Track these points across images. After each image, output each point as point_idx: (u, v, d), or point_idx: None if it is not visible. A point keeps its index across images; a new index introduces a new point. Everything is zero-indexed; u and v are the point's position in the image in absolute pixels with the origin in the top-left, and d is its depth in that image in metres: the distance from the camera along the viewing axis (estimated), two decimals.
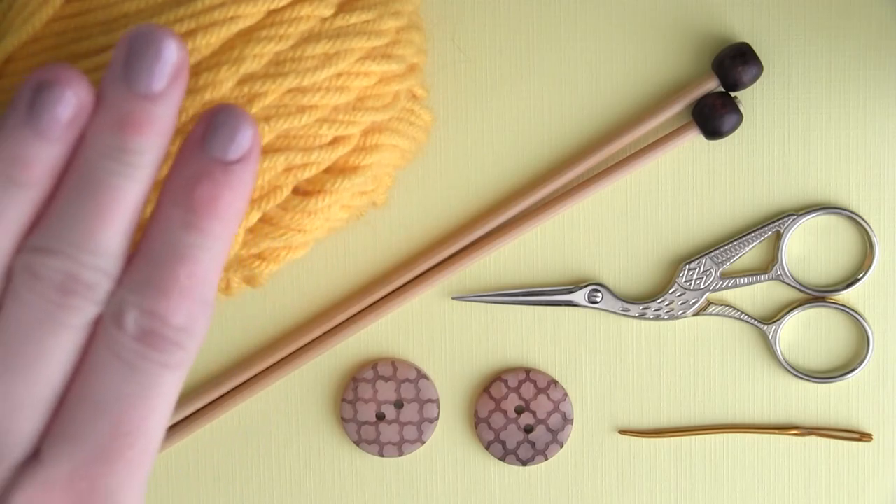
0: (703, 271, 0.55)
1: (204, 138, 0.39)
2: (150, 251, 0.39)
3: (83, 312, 0.38)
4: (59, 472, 0.38)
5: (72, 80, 0.37)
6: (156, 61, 0.38)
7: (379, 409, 0.55)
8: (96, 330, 0.39)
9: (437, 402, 0.56)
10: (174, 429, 0.56)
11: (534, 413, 0.55)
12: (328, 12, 0.47)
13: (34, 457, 0.39)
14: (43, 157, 0.37)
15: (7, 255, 0.38)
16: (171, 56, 0.38)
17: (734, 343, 0.55)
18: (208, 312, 0.39)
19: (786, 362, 0.55)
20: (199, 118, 0.39)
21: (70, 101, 0.37)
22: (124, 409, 0.38)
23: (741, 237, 0.55)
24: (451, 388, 0.56)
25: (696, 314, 0.55)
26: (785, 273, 0.55)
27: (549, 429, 0.55)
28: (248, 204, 0.40)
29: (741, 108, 0.53)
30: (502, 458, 0.55)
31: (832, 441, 0.55)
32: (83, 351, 0.39)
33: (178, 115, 0.46)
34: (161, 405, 0.39)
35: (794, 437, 0.55)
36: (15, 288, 0.38)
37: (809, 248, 0.55)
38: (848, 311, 0.55)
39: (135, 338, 0.38)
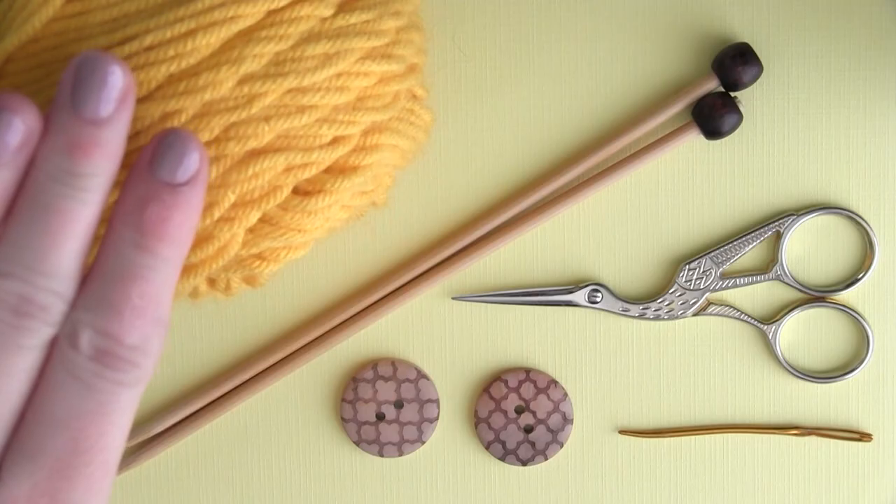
0: (703, 271, 0.55)
1: (152, 161, 0.40)
2: (103, 272, 0.39)
3: (38, 333, 0.39)
4: (20, 490, 0.39)
5: (20, 106, 0.38)
6: (102, 87, 0.39)
7: (379, 409, 0.55)
8: (52, 350, 0.39)
9: (437, 402, 0.56)
10: (174, 429, 0.56)
11: (534, 413, 0.55)
12: (328, 12, 0.47)
13: None
14: None
15: None
16: (116, 81, 0.39)
17: (734, 343, 0.55)
18: (162, 331, 0.40)
19: (786, 362, 0.55)
20: (149, 142, 0.40)
21: (18, 128, 0.38)
22: (82, 427, 0.39)
23: (741, 237, 0.55)
24: (451, 388, 0.56)
25: (696, 314, 0.55)
26: (785, 273, 0.55)
27: (549, 429, 0.55)
28: (197, 224, 0.41)
29: (741, 108, 0.53)
30: (502, 458, 0.55)
31: (832, 441, 0.55)
32: (40, 370, 0.39)
33: (179, 116, 0.46)
34: (119, 421, 0.40)
35: (794, 437, 0.55)
36: None
37: (809, 248, 0.55)
38: (848, 311, 0.55)
39: (90, 357, 0.39)
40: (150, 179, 0.40)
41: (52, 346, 0.39)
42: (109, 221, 0.40)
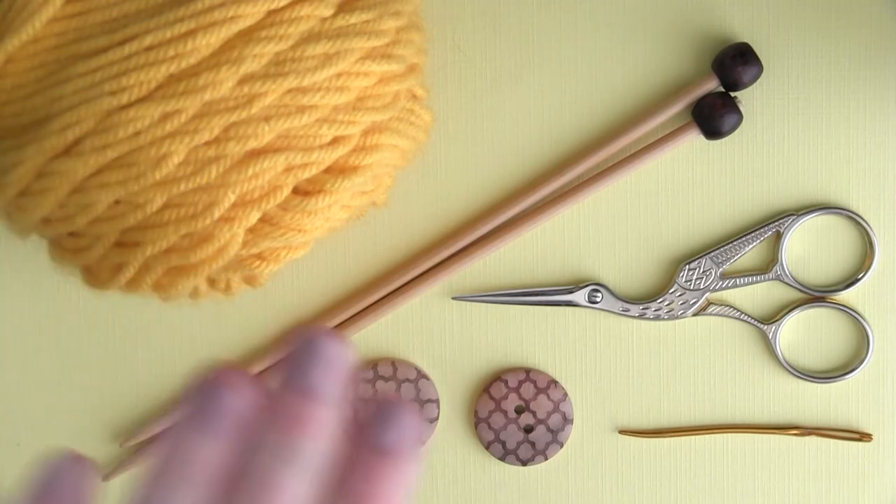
0: (703, 271, 0.55)
1: (366, 432, 0.39)
2: None
3: None
4: None
5: (239, 381, 0.38)
6: (321, 363, 0.39)
7: None
8: None
9: (437, 402, 0.56)
10: None
11: (534, 413, 0.55)
12: (328, 12, 0.47)
13: None
14: (212, 455, 0.38)
15: None
16: (337, 359, 0.39)
17: (734, 343, 0.55)
18: None
19: (786, 362, 0.55)
20: (363, 411, 0.40)
21: (237, 402, 0.38)
22: None
23: (741, 237, 0.55)
24: (451, 388, 0.56)
25: (696, 314, 0.55)
26: (785, 273, 0.55)
27: (549, 429, 0.55)
28: (412, 490, 0.41)
29: (741, 108, 0.53)
30: (502, 458, 0.55)
31: (832, 441, 0.55)
32: None
33: (179, 116, 0.46)
34: None
35: (794, 437, 0.55)
36: None
37: (809, 248, 0.55)
38: (848, 311, 0.55)
39: None
40: (363, 446, 0.39)
41: None
42: (326, 491, 0.40)
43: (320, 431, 0.39)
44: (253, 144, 0.47)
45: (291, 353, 0.40)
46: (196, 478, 0.38)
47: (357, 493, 0.39)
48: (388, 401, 0.40)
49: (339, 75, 0.47)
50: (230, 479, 0.39)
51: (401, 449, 0.39)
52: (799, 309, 0.55)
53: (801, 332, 0.55)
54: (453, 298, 0.56)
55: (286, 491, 0.38)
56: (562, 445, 0.56)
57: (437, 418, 0.56)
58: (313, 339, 0.39)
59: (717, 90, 0.54)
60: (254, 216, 0.47)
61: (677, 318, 0.55)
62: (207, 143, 0.46)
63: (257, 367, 0.55)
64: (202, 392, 0.39)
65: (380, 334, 0.56)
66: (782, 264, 0.55)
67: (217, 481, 0.39)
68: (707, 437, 0.56)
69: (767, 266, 0.55)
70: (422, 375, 0.55)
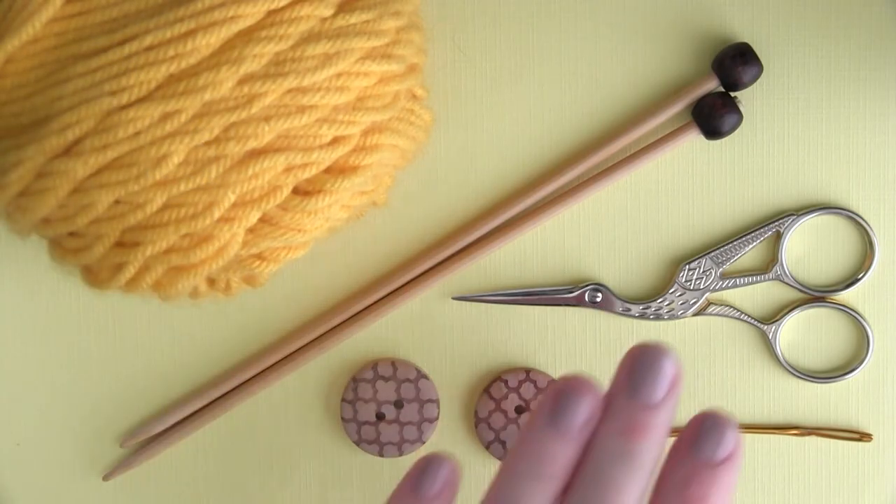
0: (703, 271, 0.55)
1: (694, 443, 0.44)
2: None
3: None
4: None
5: (587, 389, 0.44)
6: (657, 375, 0.43)
7: (379, 409, 0.55)
8: None
9: (437, 402, 0.56)
10: (175, 428, 0.56)
11: None
12: (328, 12, 0.47)
13: None
14: (562, 454, 0.43)
15: None
16: (669, 369, 0.44)
17: (734, 343, 0.55)
18: None
19: (786, 362, 0.55)
20: (689, 424, 0.44)
21: (585, 408, 0.43)
22: None
23: (741, 237, 0.55)
24: (451, 388, 0.56)
25: (696, 314, 0.55)
26: (785, 273, 0.55)
27: None
28: (733, 497, 0.45)
29: (741, 108, 0.53)
30: (502, 458, 0.55)
31: (832, 441, 0.55)
32: None
33: (179, 116, 0.46)
34: None
35: (794, 437, 0.55)
36: None
37: (809, 248, 0.55)
38: (848, 311, 0.55)
39: None
40: (691, 460, 0.44)
41: None
42: (652, 499, 0.44)
43: (655, 436, 0.44)
44: (253, 144, 0.47)
45: (627, 365, 0.44)
46: (548, 472, 0.44)
47: (696, 498, 0.44)
48: (712, 414, 0.44)
49: (339, 75, 0.47)
50: (577, 477, 0.44)
51: (732, 458, 0.44)
52: (799, 309, 0.55)
53: (801, 332, 0.55)
54: (453, 298, 0.56)
55: (624, 490, 0.43)
56: None
57: (437, 418, 0.56)
58: (653, 353, 0.44)
59: (717, 90, 0.54)
60: (254, 216, 0.47)
61: (677, 318, 0.55)
62: (207, 143, 0.46)
63: (257, 367, 0.56)
64: (555, 398, 0.44)
65: (380, 334, 0.56)
66: (782, 264, 0.55)
67: (564, 477, 0.44)
68: None
69: (767, 266, 0.55)
70: (422, 375, 0.55)
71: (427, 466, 0.45)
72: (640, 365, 0.44)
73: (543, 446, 0.44)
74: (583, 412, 0.43)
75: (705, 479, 0.43)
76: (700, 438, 0.44)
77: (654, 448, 0.43)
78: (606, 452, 0.43)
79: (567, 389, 0.44)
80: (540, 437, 0.44)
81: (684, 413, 0.56)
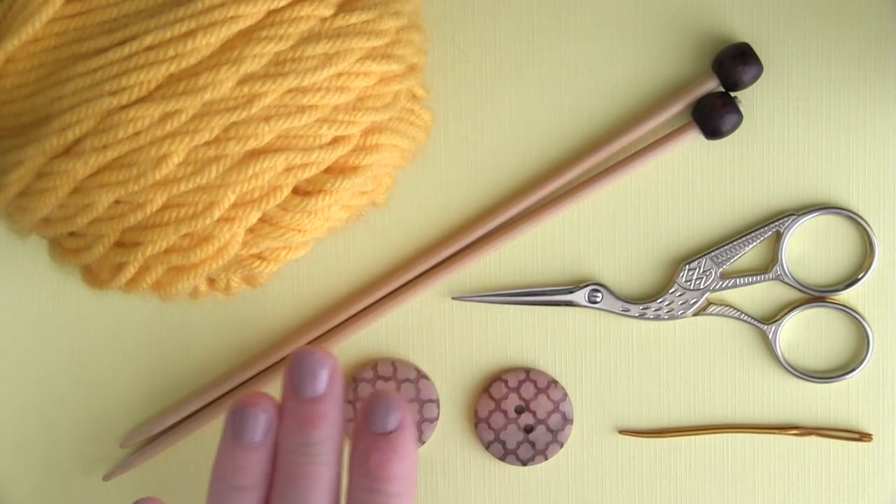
0: (703, 271, 0.55)
1: (366, 419, 0.48)
2: None
3: None
4: None
5: (259, 400, 0.48)
6: (314, 369, 0.48)
7: None
8: None
9: (437, 402, 0.56)
10: (174, 428, 0.56)
11: (534, 413, 0.55)
12: (328, 12, 0.47)
13: None
14: (254, 463, 0.48)
15: None
16: (325, 363, 0.48)
17: (734, 343, 0.55)
18: None
19: (786, 362, 0.55)
20: (360, 406, 0.49)
21: (262, 418, 0.48)
22: None
23: (741, 237, 0.55)
24: (451, 388, 0.56)
25: (696, 314, 0.55)
26: (785, 273, 0.55)
27: (549, 429, 0.55)
28: (416, 462, 0.49)
29: (741, 108, 0.53)
30: (502, 458, 0.55)
31: (832, 441, 0.55)
32: None
33: (179, 116, 0.46)
34: None
35: (794, 437, 0.55)
36: None
37: (809, 248, 0.55)
38: (848, 311, 0.55)
39: None
40: (367, 433, 0.48)
41: None
42: (348, 475, 0.49)
43: (328, 423, 0.48)
44: (253, 144, 0.47)
45: (288, 370, 0.48)
46: (244, 482, 0.48)
47: (369, 470, 0.48)
48: (380, 392, 0.49)
49: (339, 75, 0.47)
50: (274, 478, 0.48)
51: (403, 427, 0.48)
52: (799, 309, 0.55)
53: (801, 332, 0.55)
54: (453, 298, 0.56)
55: (315, 476, 0.48)
56: (562, 445, 0.56)
57: (437, 418, 0.56)
58: (307, 353, 0.48)
59: (717, 90, 0.54)
60: (254, 216, 0.47)
61: (677, 318, 0.55)
62: (207, 143, 0.47)
63: (257, 367, 0.56)
64: (235, 415, 0.48)
65: (380, 334, 0.56)
66: (782, 264, 0.55)
67: (262, 482, 0.48)
68: (707, 437, 0.56)
69: (767, 266, 0.55)
70: (422, 375, 0.55)
71: (242, 413, 0.48)
72: (297, 366, 0.48)
73: (235, 461, 0.48)
74: (261, 422, 0.48)
75: (382, 446, 0.48)
76: (370, 413, 0.48)
77: (331, 436, 0.48)
78: (290, 449, 0.48)
79: (242, 405, 0.48)
80: (229, 454, 0.48)
81: (688, 412, 0.56)
